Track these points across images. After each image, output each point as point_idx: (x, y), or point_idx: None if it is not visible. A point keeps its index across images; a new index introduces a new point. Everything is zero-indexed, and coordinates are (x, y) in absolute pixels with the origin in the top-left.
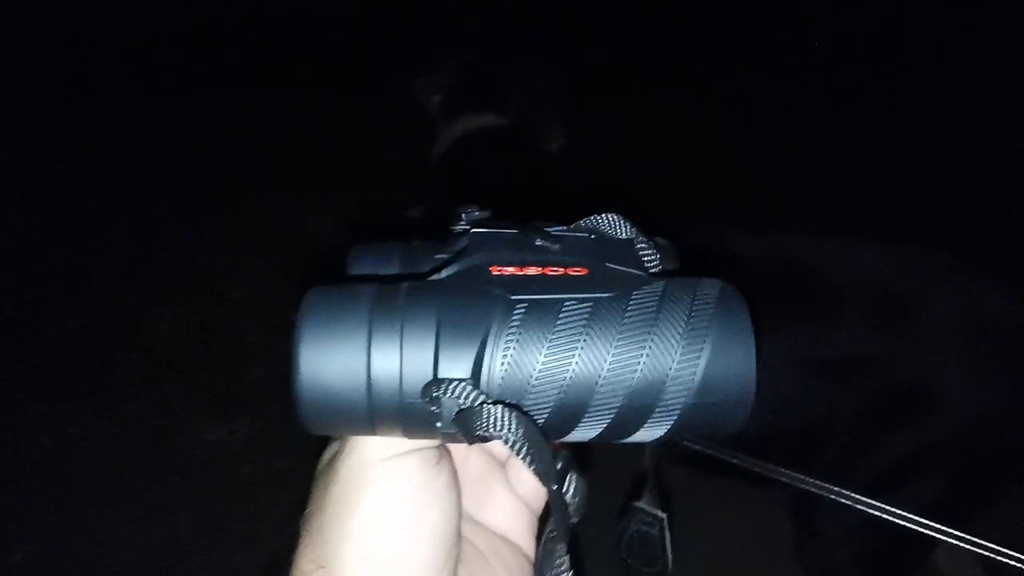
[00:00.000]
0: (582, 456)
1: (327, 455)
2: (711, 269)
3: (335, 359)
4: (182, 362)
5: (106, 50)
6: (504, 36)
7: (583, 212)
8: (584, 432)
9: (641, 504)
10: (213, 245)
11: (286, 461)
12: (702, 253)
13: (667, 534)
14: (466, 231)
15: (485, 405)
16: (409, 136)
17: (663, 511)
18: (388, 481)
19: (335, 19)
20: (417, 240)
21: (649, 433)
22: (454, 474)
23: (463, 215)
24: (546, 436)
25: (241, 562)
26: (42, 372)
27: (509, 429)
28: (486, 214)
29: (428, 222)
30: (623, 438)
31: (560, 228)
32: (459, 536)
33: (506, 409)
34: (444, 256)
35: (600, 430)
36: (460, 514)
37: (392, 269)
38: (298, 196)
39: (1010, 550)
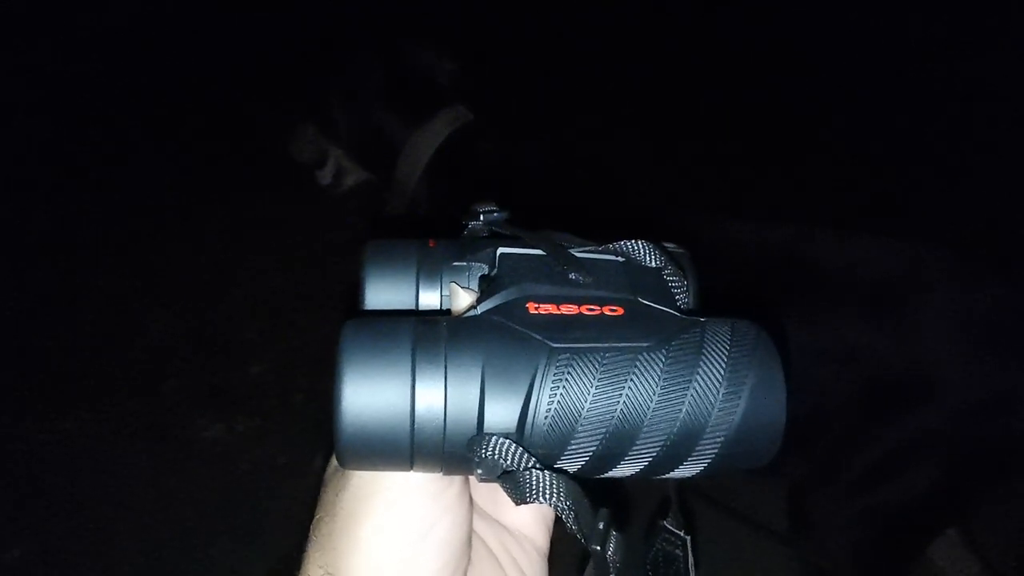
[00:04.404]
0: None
1: (336, 459)
2: (712, 263)
3: (379, 401)
4: (181, 359)
5: (107, 51)
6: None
7: (591, 208)
8: (618, 472)
9: (666, 523)
10: (213, 244)
11: (285, 457)
12: (705, 243)
13: (690, 556)
14: (487, 240)
15: (533, 471)
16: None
17: (687, 532)
18: (399, 490)
19: (335, 21)
20: (433, 239)
21: (680, 473)
22: (466, 481)
23: (481, 214)
24: (581, 475)
25: (241, 558)
26: (41, 370)
27: (558, 497)
28: (504, 215)
29: (441, 215)
30: (654, 477)
31: (588, 248)
32: (469, 543)
33: (554, 477)
34: (464, 264)
35: (634, 472)
36: (471, 522)
37: (410, 270)
38: (298, 196)
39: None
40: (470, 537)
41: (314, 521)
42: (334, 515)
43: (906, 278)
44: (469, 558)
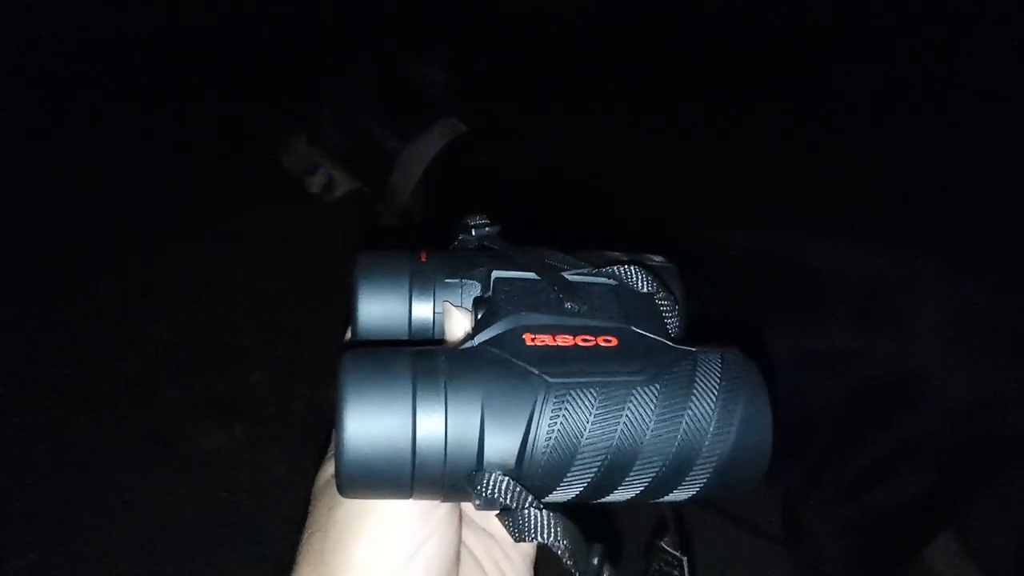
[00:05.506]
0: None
1: (325, 474)
2: (704, 269)
3: (381, 434)
4: (180, 367)
5: (106, 51)
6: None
7: (585, 218)
8: (613, 498)
9: (663, 544)
10: (212, 251)
11: (284, 466)
12: (697, 249)
13: None
14: (479, 255)
15: (531, 510)
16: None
17: (683, 553)
18: (391, 508)
19: (329, 31)
20: (424, 251)
21: (671, 499)
22: None
23: (472, 228)
24: (577, 501)
25: (240, 567)
26: (41, 377)
27: (555, 536)
28: (496, 228)
29: (431, 226)
30: (645, 502)
31: (580, 271)
32: (458, 560)
33: (551, 516)
34: (456, 280)
35: (628, 498)
36: (460, 539)
37: (403, 286)
38: (297, 203)
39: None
40: (459, 554)
41: (304, 537)
42: (327, 531)
43: (897, 282)
44: (457, 573)
